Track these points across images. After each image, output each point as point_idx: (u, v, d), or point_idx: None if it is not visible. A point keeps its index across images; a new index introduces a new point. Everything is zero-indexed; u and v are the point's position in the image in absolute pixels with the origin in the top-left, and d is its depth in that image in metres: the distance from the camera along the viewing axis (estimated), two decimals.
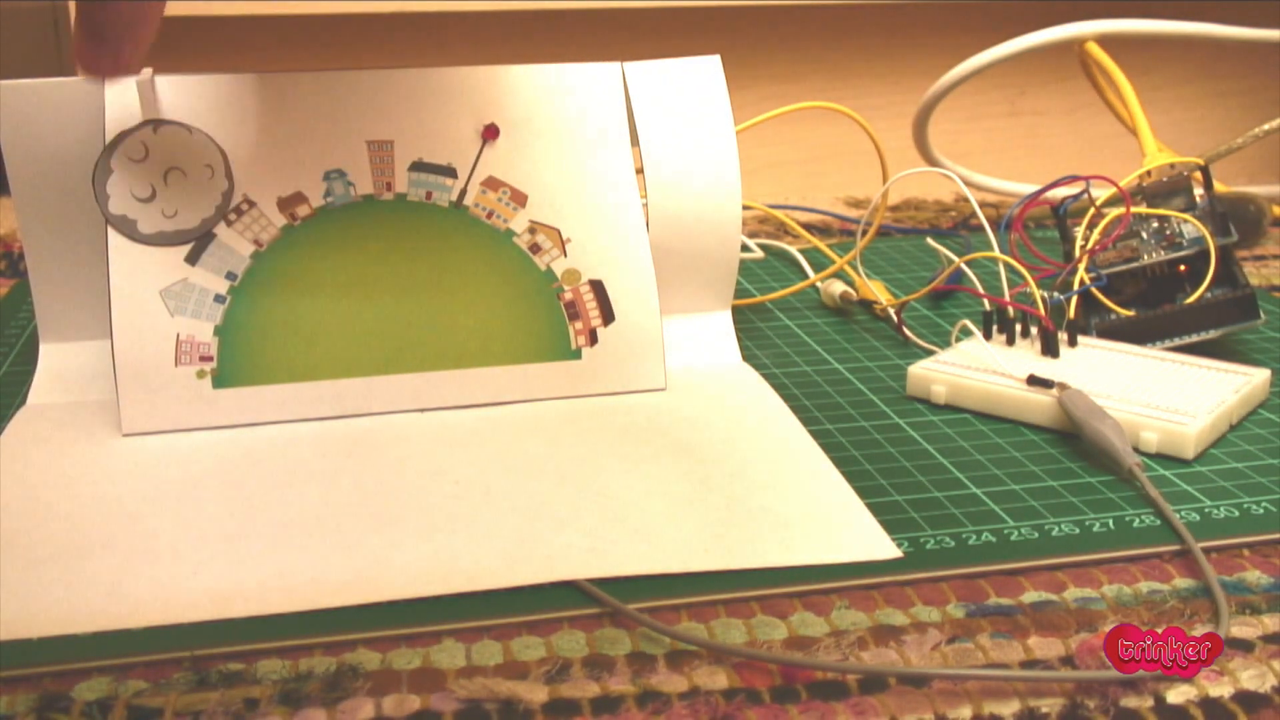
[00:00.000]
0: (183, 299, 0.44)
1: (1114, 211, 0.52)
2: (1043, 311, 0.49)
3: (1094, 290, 0.52)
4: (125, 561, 0.35)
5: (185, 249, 0.45)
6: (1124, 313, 0.52)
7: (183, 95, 0.46)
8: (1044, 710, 0.29)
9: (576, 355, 0.47)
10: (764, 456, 0.42)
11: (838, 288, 0.58)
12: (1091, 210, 0.53)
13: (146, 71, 0.45)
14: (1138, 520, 0.38)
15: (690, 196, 0.49)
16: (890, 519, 0.38)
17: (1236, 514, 0.38)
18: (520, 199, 0.48)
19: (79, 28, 0.43)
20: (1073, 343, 0.49)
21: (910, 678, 0.30)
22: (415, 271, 0.46)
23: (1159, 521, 0.38)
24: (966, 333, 0.50)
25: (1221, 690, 0.30)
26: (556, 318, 0.47)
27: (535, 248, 0.47)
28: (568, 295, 0.47)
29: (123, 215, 0.44)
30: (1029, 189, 0.72)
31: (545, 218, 0.48)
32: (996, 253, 0.53)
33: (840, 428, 0.45)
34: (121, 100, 0.45)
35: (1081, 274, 0.52)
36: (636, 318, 0.47)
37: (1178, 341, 0.51)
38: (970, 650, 0.32)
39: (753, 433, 0.44)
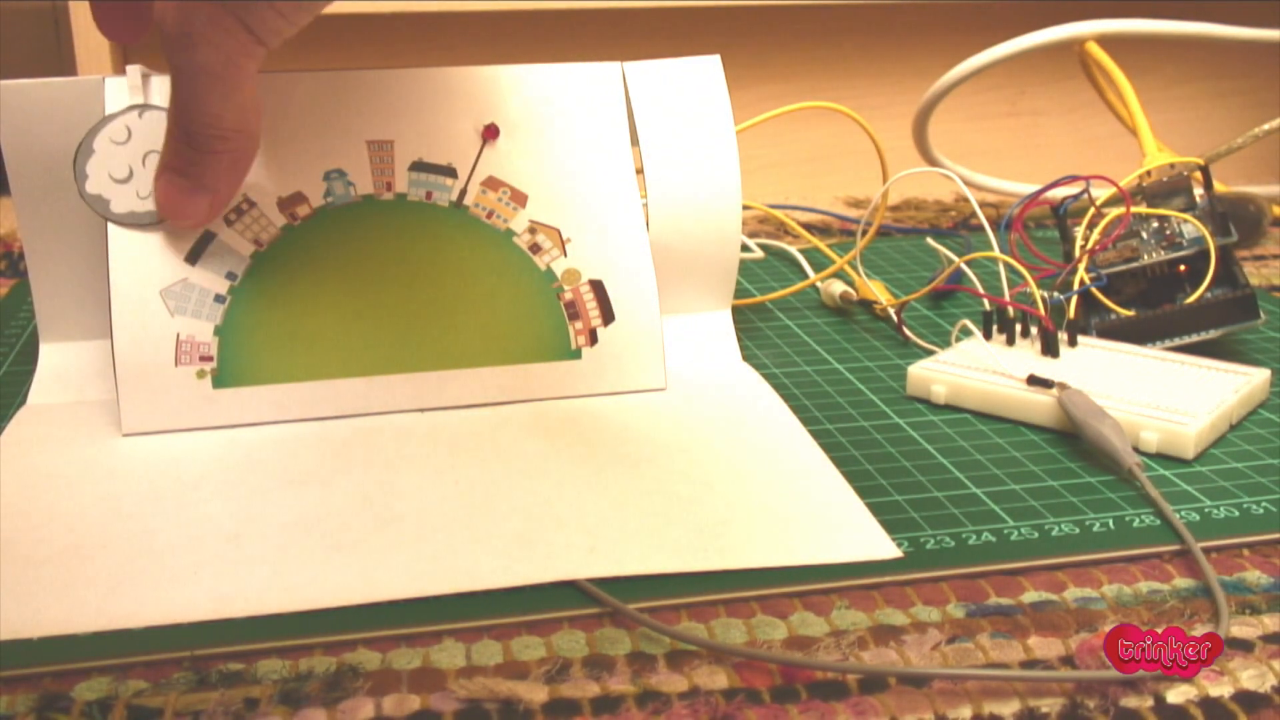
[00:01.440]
0: (183, 299, 0.44)
1: (1114, 211, 0.52)
2: (1043, 311, 0.49)
3: (1094, 290, 0.52)
4: (125, 561, 0.35)
5: (185, 248, 0.45)
6: (1124, 313, 0.52)
7: None
8: (1044, 710, 0.29)
9: (576, 355, 0.47)
10: (764, 456, 0.42)
11: (838, 288, 0.58)
12: (1091, 210, 0.53)
13: (139, 68, 0.45)
14: (1138, 520, 0.38)
15: (690, 196, 0.49)
16: (890, 519, 0.38)
17: (1236, 514, 0.38)
18: (520, 199, 0.48)
19: (168, 168, 0.41)
20: (1073, 343, 0.49)
21: (910, 678, 0.30)
22: (415, 271, 0.46)
23: (1159, 521, 0.38)
24: (966, 333, 0.50)
25: (1221, 690, 0.30)
26: (556, 318, 0.47)
27: (535, 248, 0.47)
28: (568, 295, 0.47)
29: (97, 195, 0.44)
30: (1029, 189, 0.72)
31: (545, 218, 0.48)
32: (996, 253, 0.53)
33: (840, 428, 0.45)
34: (122, 100, 0.45)
35: (1081, 274, 0.52)
36: (636, 317, 0.47)
37: (1178, 341, 0.51)
38: (970, 650, 0.32)
39: (753, 433, 0.44)
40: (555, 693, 0.30)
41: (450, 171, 0.47)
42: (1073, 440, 0.43)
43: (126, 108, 0.45)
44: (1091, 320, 0.52)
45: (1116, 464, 0.40)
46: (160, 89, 0.46)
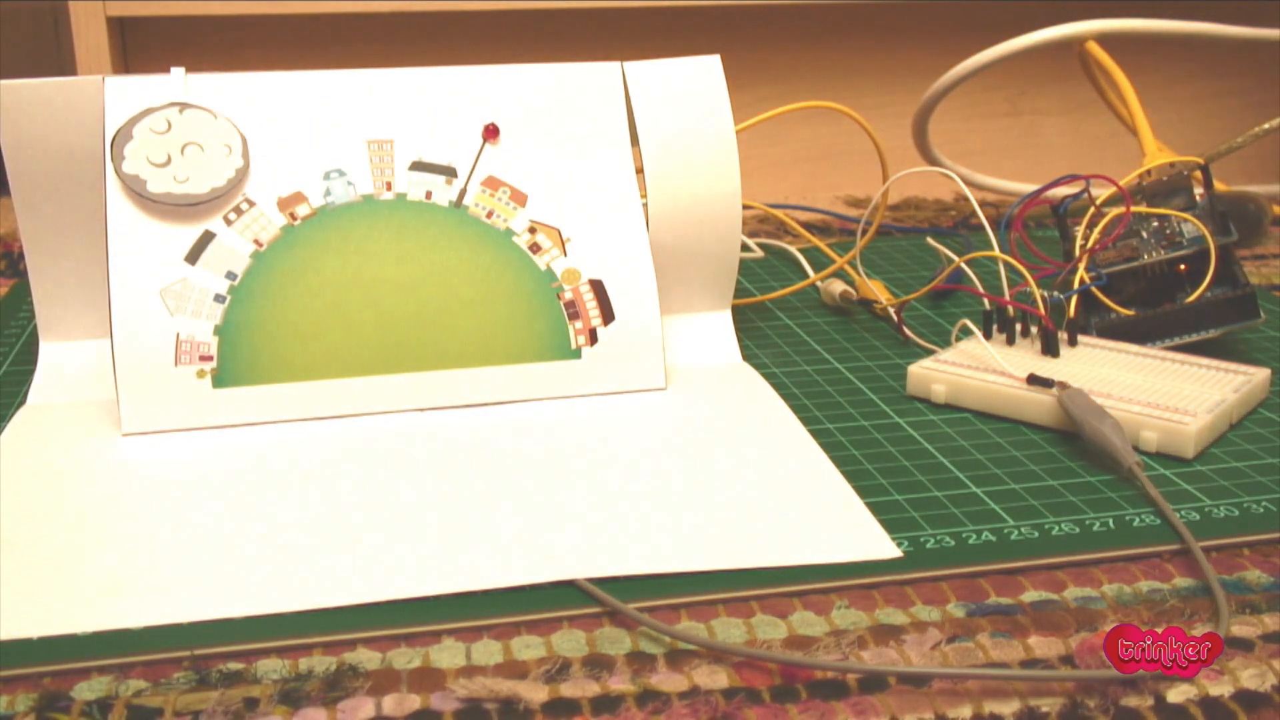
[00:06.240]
0: (183, 299, 0.44)
1: (1114, 211, 0.52)
2: (1043, 311, 0.49)
3: (1094, 289, 0.52)
4: (125, 561, 0.35)
5: (185, 248, 0.45)
6: (1124, 312, 0.52)
7: (186, 93, 0.46)
8: (1044, 710, 0.29)
9: (576, 355, 0.47)
10: (764, 456, 0.42)
11: (838, 287, 0.58)
12: (1091, 209, 0.53)
13: (181, 70, 0.46)
14: (1138, 519, 0.38)
15: (690, 196, 0.49)
16: (890, 518, 0.38)
17: (1236, 513, 0.38)
18: (520, 199, 0.48)
19: None
20: (1073, 342, 0.49)
21: (910, 677, 0.30)
22: (415, 271, 0.46)
23: (1159, 521, 0.38)
24: (966, 332, 0.50)
25: (1221, 689, 0.30)
26: (556, 317, 0.47)
27: (535, 247, 0.47)
28: (568, 295, 0.47)
29: (135, 174, 0.44)
30: (1029, 188, 0.72)
31: (545, 217, 0.48)
32: (996, 252, 0.53)
33: (840, 427, 0.45)
34: (121, 100, 0.45)
35: (1081, 273, 0.52)
36: (636, 317, 0.47)
37: (1178, 340, 0.51)
38: (970, 650, 0.32)
39: (753, 432, 0.44)
40: (555, 692, 0.30)
41: (450, 171, 0.47)
42: (1073, 440, 0.43)
43: (168, 103, 0.45)
44: (1091, 319, 0.52)
45: (1116, 463, 0.40)
46: (198, 87, 0.46)
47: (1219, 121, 0.92)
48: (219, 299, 0.45)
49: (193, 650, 0.31)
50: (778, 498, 0.39)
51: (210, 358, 0.44)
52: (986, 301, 0.51)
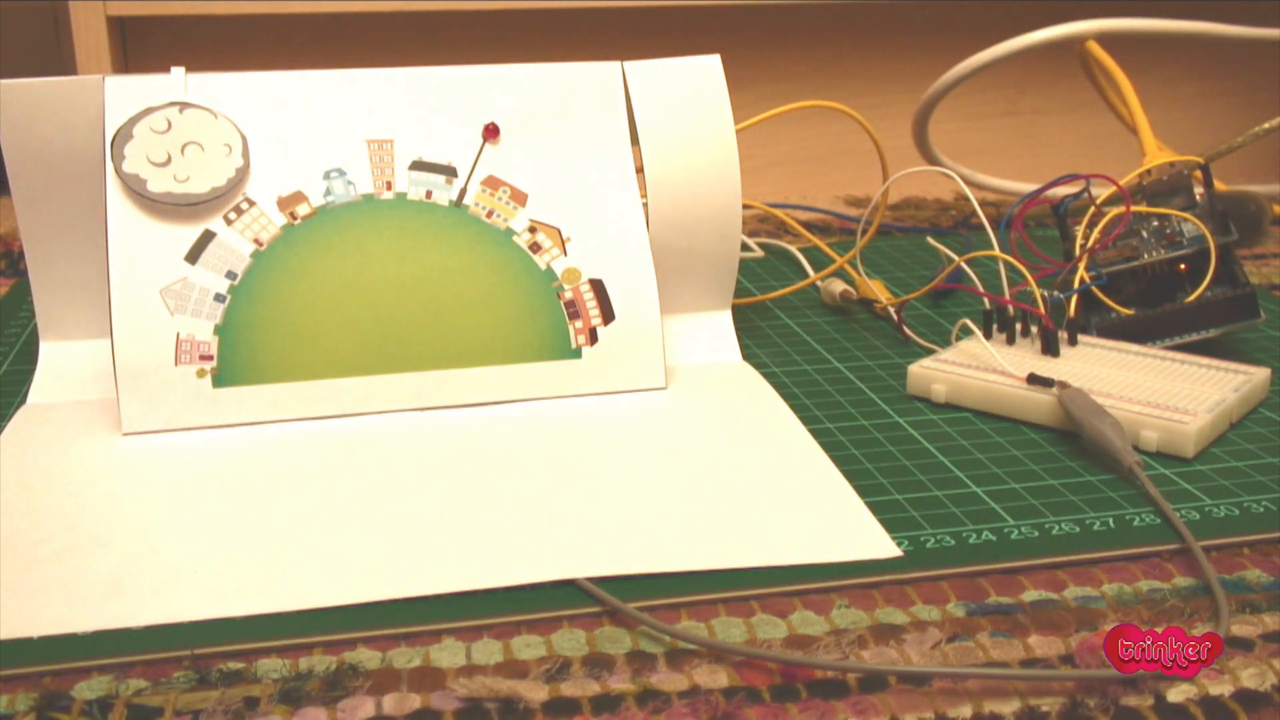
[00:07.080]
0: (183, 298, 0.44)
1: (1114, 210, 0.52)
2: (1043, 310, 0.49)
3: (1094, 289, 0.52)
4: (125, 561, 0.35)
5: (185, 248, 0.45)
6: (1124, 311, 0.51)
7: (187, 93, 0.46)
8: (1044, 709, 0.29)
9: (576, 354, 0.47)
10: (764, 455, 0.42)
11: (838, 286, 0.58)
12: (1091, 209, 0.53)
13: (181, 70, 0.46)
14: (1138, 519, 0.38)
15: (690, 196, 0.49)
16: (890, 518, 0.38)
17: (1237, 513, 0.38)
18: (520, 198, 0.48)
19: None
20: (1073, 341, 0.49)
21: (910, 676, 0.30)
22: (415, 271, 0.46)
23: (1159, 520, 0.38)
24: (967, 331, 0.50)
25: (1222, 689, 0.30)
26: (557, 317, 0.47)
27: (535, 247, 0.47)
28: (568, 294, 0.47)
29: (135, 174, 0.44)
30: (1029, 188, 0.72)
31: (545, 217, 0.48)
32: (997, 251, 0.53)
33: (840, 426, 0.45)
34: (122, 99, 0.45)
35: (1082, 273, 0.52)
36: (636, 317, 0.47)
37: (1178, 340, 0.51)
38: (970, 649, 0.32)
39: (753, 432, 0.44)
40: (555, 691, 0.30)
41: (450, 171, 0.47)
42: (1073, 439, 0.43)
43: (168, 103, 0.45)
44: (1092, 319, 0.52)
45: (1116, 463, 0.40)
46: (198, 87, 0.46)
47: (1219, 121, 0.92)
48: (219, 298, 0.45)
49: (193, 650, 0.31)
50: (778, 497, 0.39)
51: (210, 357, 0.44)
52: (986, 301, 0.51)
